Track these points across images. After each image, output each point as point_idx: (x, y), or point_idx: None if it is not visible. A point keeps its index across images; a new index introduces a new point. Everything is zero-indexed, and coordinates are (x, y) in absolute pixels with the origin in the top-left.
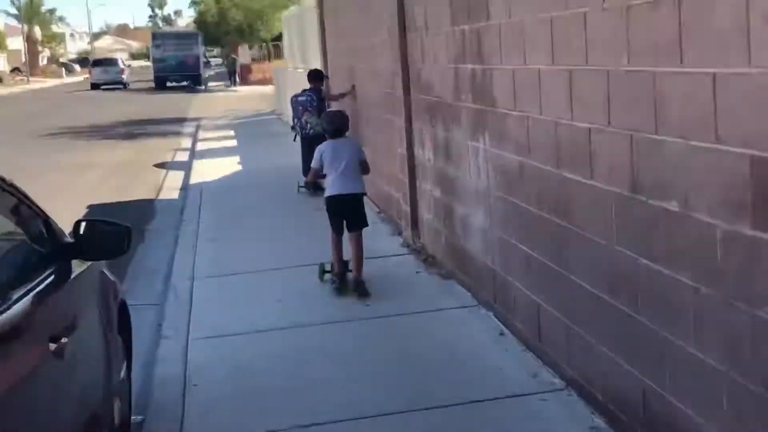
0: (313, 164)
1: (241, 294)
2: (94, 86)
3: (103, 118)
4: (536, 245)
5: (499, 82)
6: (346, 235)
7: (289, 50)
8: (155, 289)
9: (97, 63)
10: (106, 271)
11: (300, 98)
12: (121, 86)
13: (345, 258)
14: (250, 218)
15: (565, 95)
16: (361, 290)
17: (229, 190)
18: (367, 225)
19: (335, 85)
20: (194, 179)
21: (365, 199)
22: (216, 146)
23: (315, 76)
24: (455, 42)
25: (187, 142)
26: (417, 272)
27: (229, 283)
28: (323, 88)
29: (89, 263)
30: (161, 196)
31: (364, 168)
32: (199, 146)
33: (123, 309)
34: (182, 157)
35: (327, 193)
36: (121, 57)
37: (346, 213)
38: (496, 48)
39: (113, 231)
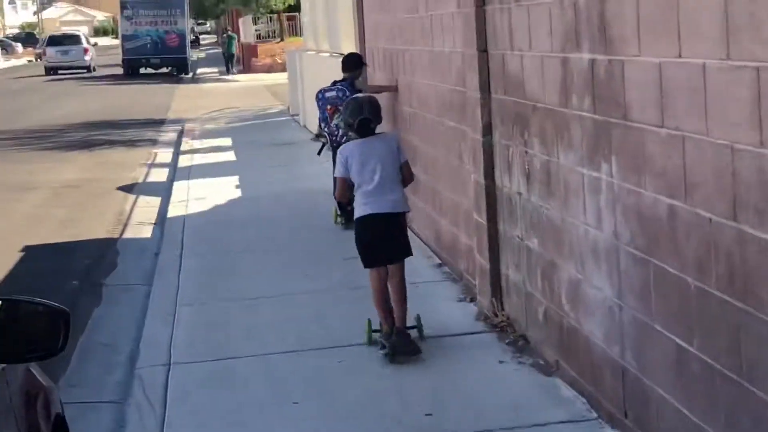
0: (336, 173)
1: (240, 391)
2: (50, 70)
3: (54, 118)
4: (696, 335)
5: (636, 82)
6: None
7: (311, 25)
8: (114, 377)
9: (54, 41)
10: (33, 371)
11: (328, 93)
12: (84, 70)
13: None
14: (251, 271)
15: (750, 105)
16: (410, 349)
17: (224, 228)
18: (411, 254)
19: (375, 77)
20: (174, 211)
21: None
22: (206, 161)
23: (351, 64)
24: (564, 15)
25: (165, 155)
26: (501, 362)
27: (222, 374)
28: (360, 79)
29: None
30: (127, 234)
31: (405, 174)
32: (182, 161)
33: (59, 427)
34: (158, 176)
35: (357, 214)
36: (83, 32)
37: (386, 240)
38: (631, 26)
39: (44, 317)
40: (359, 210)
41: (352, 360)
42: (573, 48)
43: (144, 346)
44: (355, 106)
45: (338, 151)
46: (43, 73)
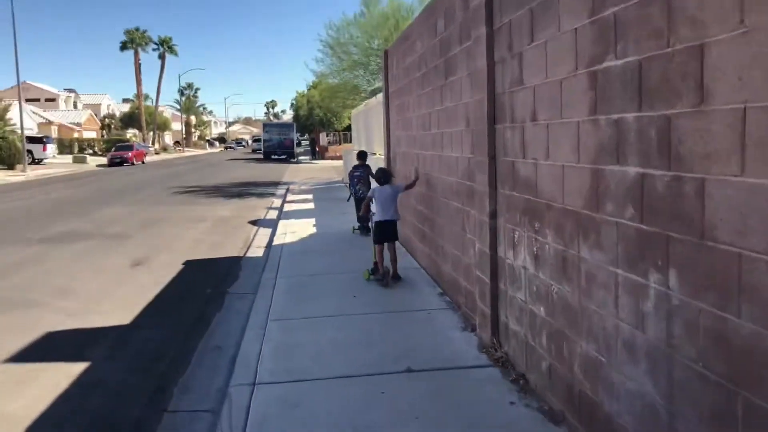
0: (369, 194)
1: (308, 417)
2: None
3: (223, 179)
4: None
5: (725, 202)
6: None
7: (356, 136)
8: (215, 384)
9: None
10: None
11: (356, 173)
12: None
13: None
14: (320, 288)
15: None
16: (396, 278)
17: (304, 256)
18: (397, 239)
19: (400, 167)
20: (277, 239)
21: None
22: (298, 208)
23: (363, 156)
24: (598, 132)
25: (277, 202)
26: (511, 403)
27: (295, 398)
28: (367, 163)
29: None
30: (249, 254)
31: (408, 188)
32: (286, 207)
33: None
34: (272, 215)
35: (375, 219)
36: (247, 138)
37: (388, 232)
38: (725, 145)
39: None
40: (376, 217)
41: (392, 389)
42: (610, 161)
43: (239, 361)
44: (380, 172)
45: (371, 189)
46: (227, 155)
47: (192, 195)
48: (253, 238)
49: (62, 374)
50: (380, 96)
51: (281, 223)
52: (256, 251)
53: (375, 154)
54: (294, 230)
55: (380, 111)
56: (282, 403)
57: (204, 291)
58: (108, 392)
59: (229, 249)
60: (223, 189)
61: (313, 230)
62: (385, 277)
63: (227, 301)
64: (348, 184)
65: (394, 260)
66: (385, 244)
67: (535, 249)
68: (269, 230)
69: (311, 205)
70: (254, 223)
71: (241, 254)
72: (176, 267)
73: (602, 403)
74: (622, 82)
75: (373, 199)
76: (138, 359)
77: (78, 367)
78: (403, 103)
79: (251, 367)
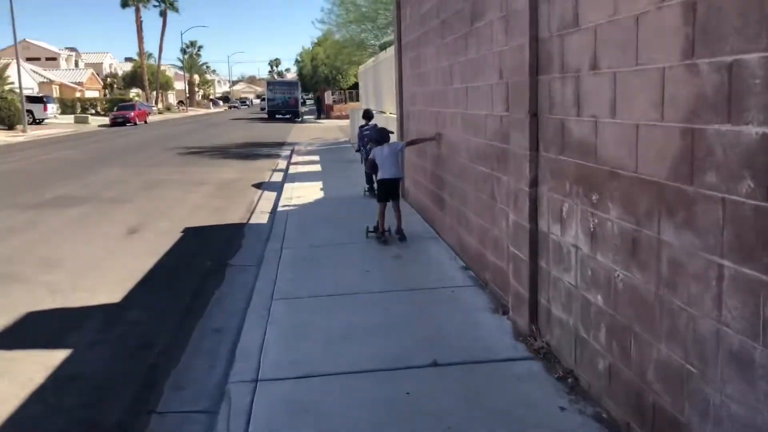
0: (370, 156)
1: (321, 426)
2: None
3: (226, 140)
4: None
5: None
6: None
7: (364, 94)
8: (212, 378)
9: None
10: None
11: (365, 132)
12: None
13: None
14: (329, 261)
15: None
16: (401, 236)
17: (311, 223)
18: (399, 196)
19: (415, 128)
20: (282, 204)
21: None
22: (304, 170)
23: (368, 115)
24: (696, 80)
25: (282, 164)
26: (562, 408)
27: (305, 399)
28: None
29: None
30: (252, 221)
31: (407, 147)
32: (291, 169)
33: None
34: (277, 177)
35: (378, 177)
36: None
37: (390, 190)
38: None
39: None
40: (380, 175)
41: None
42: (716, 119)
43: (239, 352)
44: (377, 133)
45: (372, 152)
46: (230, 114)
47: (194, 156)
48: (257, 203)
49: (38, 365)
50: (391, 50)
51: (287, 186)
52: (260, 217)
53: (385, 112)
54: (300, 194)
55: (391, 66)
56: (289, 406)
57: (203, 263)
58: (88, 388)
59: (232, 215)
60: (226, 150)
61: (321, 194)
62: (384, 234)
63: (228, 275)
64: (357, 145)
65: (398, 218)
66: (389, 203)
67: (591, 225)
68: (274, 194)
69: (318, 167)
70: (258, 186)
71: (244, 221)
72: (175, 235)
73: (690, 424)
74: (741, 11)
75: (376, 158)
76: (125, 346)
77: (56, 357)
78: (419, 56)
79: (253, 359)
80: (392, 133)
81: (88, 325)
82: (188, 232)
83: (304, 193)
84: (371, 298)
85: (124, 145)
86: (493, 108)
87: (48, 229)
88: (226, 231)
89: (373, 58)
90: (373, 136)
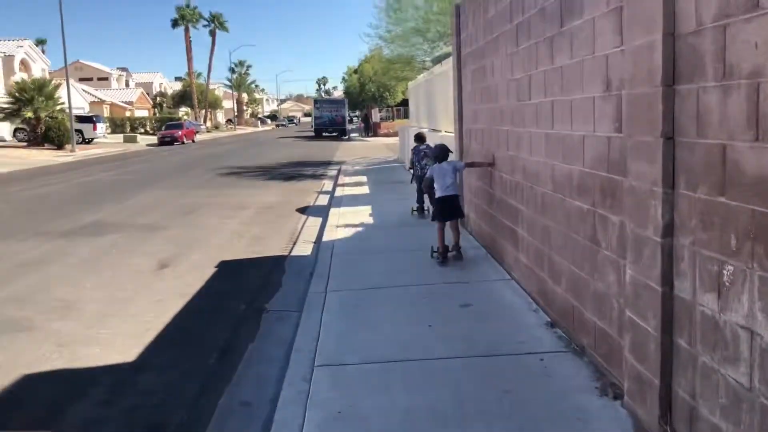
0: (428, 174)
1: None
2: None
3: (274, 159)
4: None
5: None
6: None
7: (414, 111)
8: None
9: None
10: None
11: (421, 146)
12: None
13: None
14: (383, 309)
15: None
16: (457, 255)
17: (360, 257)
18: (463, 216)
19: (477, 148)
20: (328, 232)
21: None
22: (351, 192)
23: (420, 138)
24: None
25: (328, 185)
26: None
27: None
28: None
29: None
30: (294, 252)
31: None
32: (338, 191)
33: None
34: (322, 200)
35: (437, 195)
36: (299, 115)
37: (448, 209)
38: None
39: None
40: (437, 194)
41: None
42: None
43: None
44: (439, 150)
45: (430, 169)
46: (277, 132)
47: (237, 177)
48: (301, 231)
49: None
50: (446, 63)
51: (333, 211)
52: (304, 248)
53: (440, 131)
54: (347, 220)
55: (447, 81)
56: None
57: (237, 307)
58: None
59: (272, 245)
60: (270, 170)
61: (370, 220)
62: (445, 255)
63: (264, 325)
64: (411, 162)
65: (457, 237)
66: (448, 223)
67: None
68: (319, 220)
69: (366, 189)
70: (302, 210)
71: (286, 253)
72: (208, 270)
73: None
74: None
75: (434, 176)
76: (132, 427)
77: None
78: (483, 68)
79: None
80: (451, 152)
81: (92, 394)
82: (223, 266)
83: (352, 218)
84: (437, 367)
85: (168, 165)
86: (596, 128)
87: (73, 262)
88: (264, 265)
89: (425, 73)
90: (432, 153)
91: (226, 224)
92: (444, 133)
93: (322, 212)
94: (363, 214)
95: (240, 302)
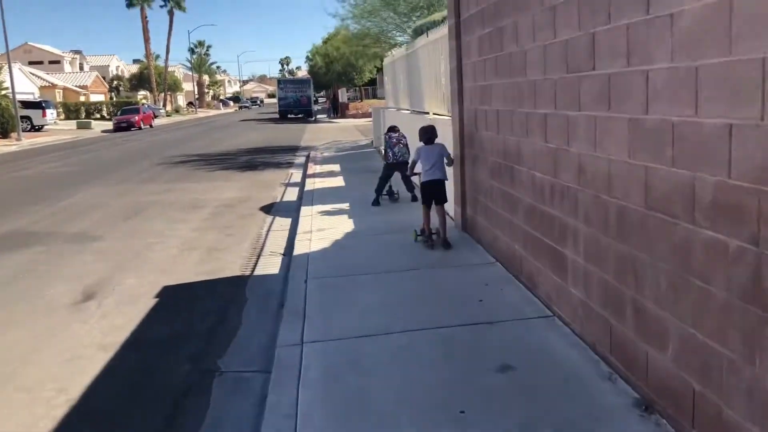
0: (413, 156)
1: None
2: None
3: (232, 145)
4: None
5: None
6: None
7: (391, 90)
8: None
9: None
10: None
11: (393, 135)
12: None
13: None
14: (388, 392)
15: None
16: (446, 245)
17: (344, 282)
18: (446, 201)
19: (490, 137)
20: (299, 241)
21: None
22: (323, 185)
23: (393, 129)
24: None
25: (297, 175)
26: None
27: None
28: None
29: None
30: (258, 270)
31: (449, 161)
32: (308, 184)
33: None
34: (291, 195)
35: (422, 179)
36: (262, 96)
37: (435, 193)
38: None
39: None
40: (423, 178)
41: None
42: None
43: None
44: (426, 131)
45: (417, 150)
46: (240, 115)
47: (194, 167)
48: (266, 238)
49: None
50: (437, 32)
51: (304, 211)
52: (270, 264)
53: (427, 113)
54: (322, 224)
55: (438, 53)
56: None
57: (178, 367)
58: None
59: (231, 260)
60: (231, 158)
61: (349, 224)
62: (431, 238)
63: (215, 399)
64: (384, 148)
65: (443, 224)
66: (434, 206)
67: None
68: (288, 221)
69: (340, 180)
70: (268, 209)
71: (248, 271)
72: (145, 302)
73: None
74: None
75: (420, 159)
76: None
77: None
78: (500, 31)
79: None
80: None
81: None
82: (165, 296)
83: (328, 221)
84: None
85: (119, 154)
86: (731, 110)
87: None
88: (219, 292)
89: (404, 47)
90: (422, 135)
91: (175, 231)
92: (432, 115)
93: (291, 211)
94: (340, 215)
95: (183, 358)
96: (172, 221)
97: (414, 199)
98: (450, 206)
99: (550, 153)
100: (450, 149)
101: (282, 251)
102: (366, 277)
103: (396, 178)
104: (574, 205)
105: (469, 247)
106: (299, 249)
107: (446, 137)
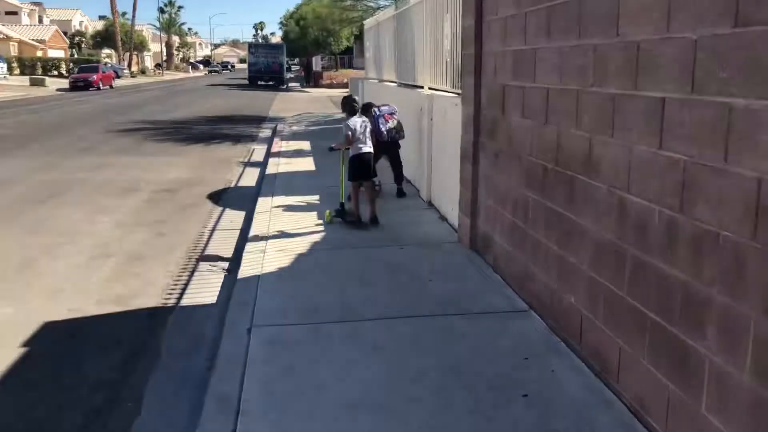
0: (348, 129)
1: None
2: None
3: (194, 113)
4: None
5: None
6: None
7: (372, 58)
8: None
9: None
10: None
11: (383, 107)
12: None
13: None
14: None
15: None
16: (374, 222)
17: (307, 336)
18: (376, 175)
19: (530, 124)
20: (250, 256)
21: None
22: (289, 168)
23: (367, 107)
24: None
25: (259, 152)
26: None
27: None
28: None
29: None
30: (188, 297)
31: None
32: (270, 165)
33: None
34: (249, 179)
35: (352, 154)
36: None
37: (367, 168)
38: None
39: None
40: (353, 152)
41: None
42: None
43: None
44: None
45: (352, 122)
46: (209, 79)
47: (143, 137)
48: (207, 243)
49: None
50: None
51: (261, 204)
52: (204, 289)
53: (422, 87)
54: (283, 225)
55: (439, 11)
56: None
57: None
58: None
59: (152, 277)
60: (188, 127)
61: (319, 230)
62: (360, 220)
63: None
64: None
65: (372, 200)
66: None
67: None
68: (240, 216)
69: (309, 163)
70: (217, 198)
71: (173, 298)
72: (7, 353)
73: None
74: None
75: (355, 131)
76: None
77: None
78: None
79: None
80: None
81: None
82: (39, 343)
83: (290, 221)
84: None
85: (63, 117)
86: None
87: None
88: (123, 340)
89: (392, 7)
90: (360, 106)
91: (93, 225)
92: (428, 91)
93: (246, 201)
94: (307, 213)
95: None
96: (94, 210)
97: (401, 193)
98: (452, 212)
99: (670, 167)
100: (456, 136)
101: (226, 266)
102: (341, 328)
103: (381, 165)
104: (725, 268)
105: (482, 276)
106: (248, 265)
107: (449, 121)
